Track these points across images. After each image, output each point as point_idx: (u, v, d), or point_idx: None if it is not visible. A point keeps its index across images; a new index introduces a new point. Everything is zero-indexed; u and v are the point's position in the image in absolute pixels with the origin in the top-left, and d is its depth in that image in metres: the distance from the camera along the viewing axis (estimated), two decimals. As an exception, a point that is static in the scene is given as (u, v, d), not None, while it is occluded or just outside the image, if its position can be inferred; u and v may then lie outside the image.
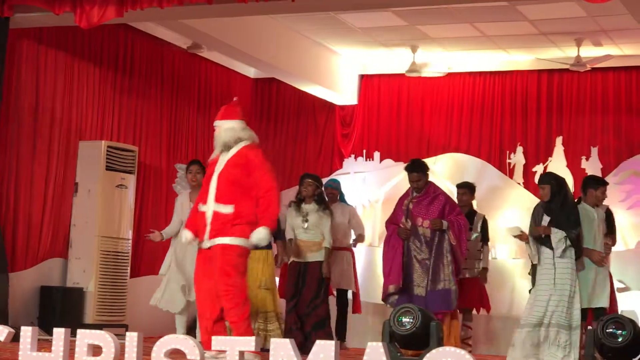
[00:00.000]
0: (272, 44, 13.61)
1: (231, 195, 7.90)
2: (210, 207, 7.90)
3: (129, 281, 12.63)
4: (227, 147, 8.01)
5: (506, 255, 13.36)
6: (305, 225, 11.02)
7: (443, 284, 10.17)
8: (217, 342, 5.72)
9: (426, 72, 14.69)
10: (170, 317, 10.60)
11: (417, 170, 10.42)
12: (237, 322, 7.81)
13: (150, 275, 13.09)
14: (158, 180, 13.80)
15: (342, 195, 12.02)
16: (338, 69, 15.14)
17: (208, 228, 7.88)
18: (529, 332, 9.55)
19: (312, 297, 10.92)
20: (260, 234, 7.81)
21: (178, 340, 5.71)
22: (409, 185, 10.52)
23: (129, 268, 12.61)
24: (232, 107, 8.26)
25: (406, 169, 10.53)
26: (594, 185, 10.21)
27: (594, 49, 13.61)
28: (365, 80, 15.72)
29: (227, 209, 7.87)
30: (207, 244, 7.88)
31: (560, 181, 9.82)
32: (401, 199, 10.59)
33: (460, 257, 10.27)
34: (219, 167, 7.97)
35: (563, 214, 9.65)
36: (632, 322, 8.20)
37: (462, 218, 10.39)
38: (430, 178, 10.65)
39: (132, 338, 5.77)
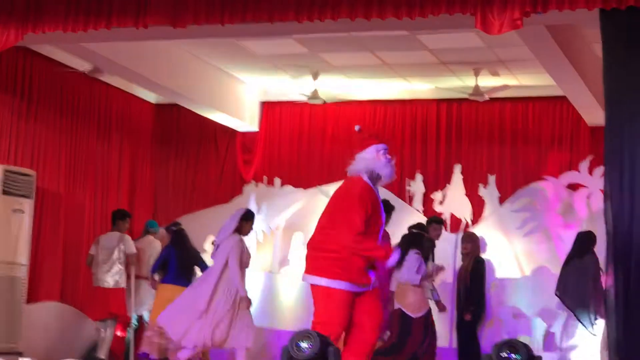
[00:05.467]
0: (173, 70, 13.54)
1: None
2: None
3: (25, 307, 12.38)
4: None
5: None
6: None
7: None
8: None
9: (327, 100, 14.75)
10: (66, 343, 10.46)
11: None
12: None
13: (48, 300, 13.05)
14: (56, 205, 13.59)
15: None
16: (239, 96, 15.11)
17: None
18: None
19: None
20: None
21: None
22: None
23: (25, 293, 12.38)
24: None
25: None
26: None
27: (492, 79, 13.83)
28: (267, 107, 15.70)
29: None
30: None
31: None
32: None
33: None
34: None
35: None
36: (526, 347, 8.33)
37: None
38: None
39: (24, 364, 5.72)
